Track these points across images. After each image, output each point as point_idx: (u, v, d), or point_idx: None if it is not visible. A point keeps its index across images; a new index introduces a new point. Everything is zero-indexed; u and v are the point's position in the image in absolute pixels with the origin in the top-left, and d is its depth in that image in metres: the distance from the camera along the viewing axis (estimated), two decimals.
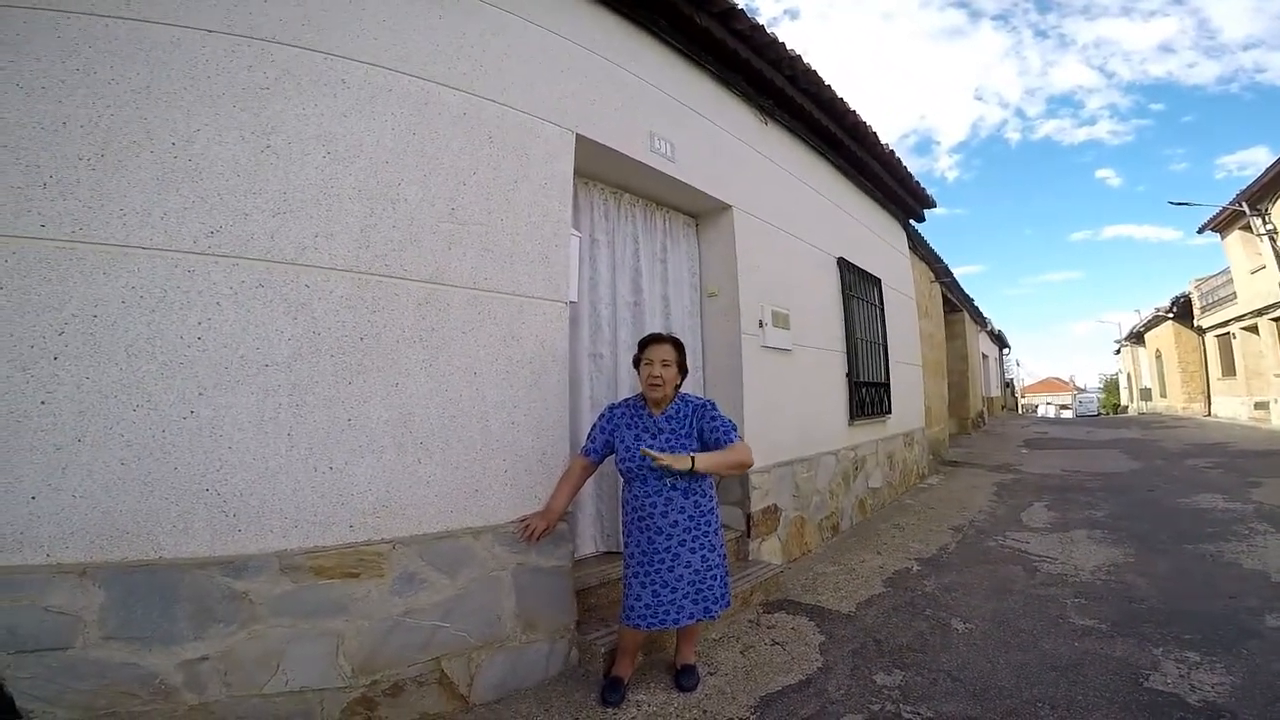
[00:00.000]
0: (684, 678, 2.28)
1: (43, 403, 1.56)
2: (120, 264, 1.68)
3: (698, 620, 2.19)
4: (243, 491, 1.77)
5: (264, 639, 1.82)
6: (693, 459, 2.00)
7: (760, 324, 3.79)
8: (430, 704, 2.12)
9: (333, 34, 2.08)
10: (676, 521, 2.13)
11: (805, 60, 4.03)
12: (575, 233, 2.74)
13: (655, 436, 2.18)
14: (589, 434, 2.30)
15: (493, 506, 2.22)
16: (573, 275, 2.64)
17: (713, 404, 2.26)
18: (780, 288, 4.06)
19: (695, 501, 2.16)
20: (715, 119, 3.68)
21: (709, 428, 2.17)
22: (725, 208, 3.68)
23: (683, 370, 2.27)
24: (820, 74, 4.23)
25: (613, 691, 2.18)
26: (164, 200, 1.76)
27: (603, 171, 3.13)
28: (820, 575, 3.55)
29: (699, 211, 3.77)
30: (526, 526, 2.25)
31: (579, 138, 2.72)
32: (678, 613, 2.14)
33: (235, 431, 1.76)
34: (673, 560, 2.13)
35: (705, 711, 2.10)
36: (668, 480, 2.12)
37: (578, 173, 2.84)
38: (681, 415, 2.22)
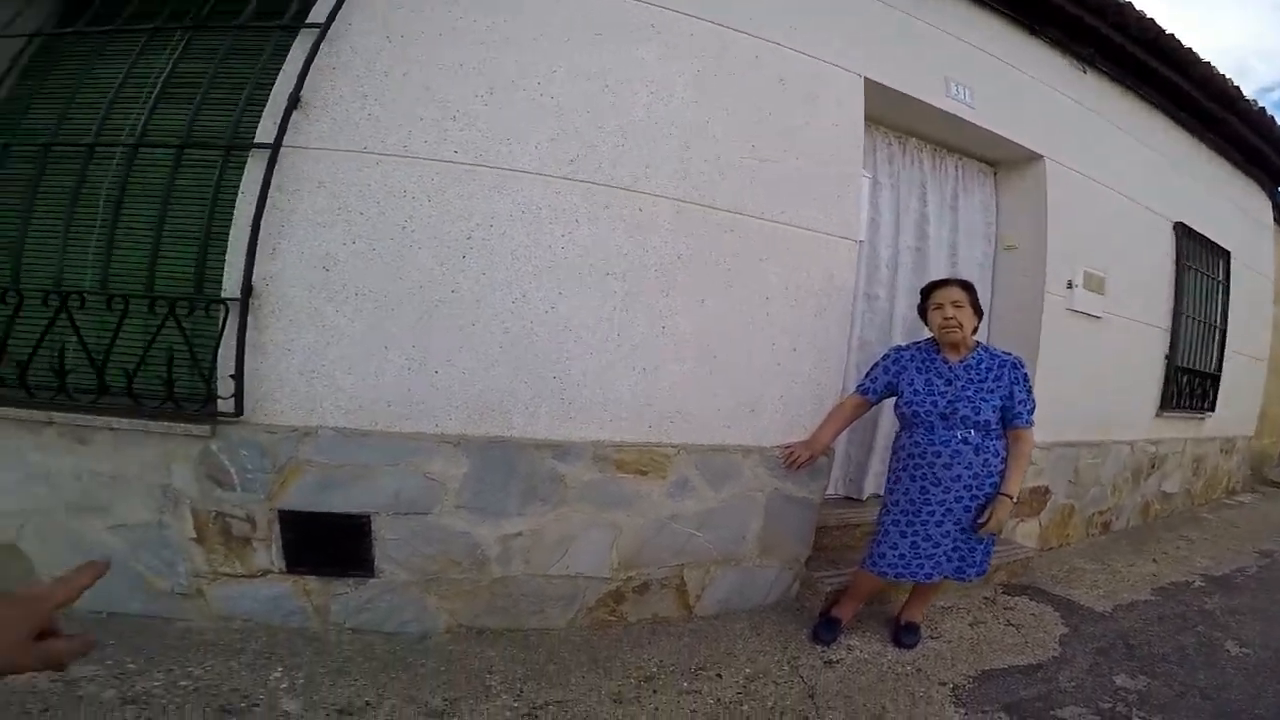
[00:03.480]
0: (905, 635, 2.25)
1: (453, 291, 1.98)
2: (509, 185, 2.01)
3: (946, 579, 2.13)
4: (579, 381, 2.09)
5: (566, 522, 2.16)
6: (1010, 499, 2.00)
7: (1069, 285, 3.36)
8: (663, 608, 2.37)
9: None
10: (959, 476, 2.02)
11: (1135, 6, 3.36)
12: (865, 174, 2.69)
13: (950, 384, 2.06)
14: (868, 373, 2.26)
15: (763, 428, 2.34)
16: (862, 215, 2.63)
17: (1024, 365, 2.08)
18: (1095, 248, 3.49)
19: (985, 460, 2.03)
20: (1022, 67, 3.25)
21: (1017, 399, 2.03)
22: (1034, 158, 3.28)
23: (977, 312, 2.10)
24: (1154, 20, 3.47)
25: (828, 630, 2.22)
26: (536, 132, 2.04)
27: (889, 115, 2.97)
28: (1076, 570, 3.26)
29: (999, 160, 3.42)
30: (790, 453, 2.32)
31: (867, 82, 2.62)
32: (932, 568, 2.09)
33: (581, 328, 2.08)
34: (944, 515, 2.05)
35: (919, 670, 2.09)
36: (959, 431, 2.01)
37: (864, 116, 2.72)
38: (983, 367, 2.07)
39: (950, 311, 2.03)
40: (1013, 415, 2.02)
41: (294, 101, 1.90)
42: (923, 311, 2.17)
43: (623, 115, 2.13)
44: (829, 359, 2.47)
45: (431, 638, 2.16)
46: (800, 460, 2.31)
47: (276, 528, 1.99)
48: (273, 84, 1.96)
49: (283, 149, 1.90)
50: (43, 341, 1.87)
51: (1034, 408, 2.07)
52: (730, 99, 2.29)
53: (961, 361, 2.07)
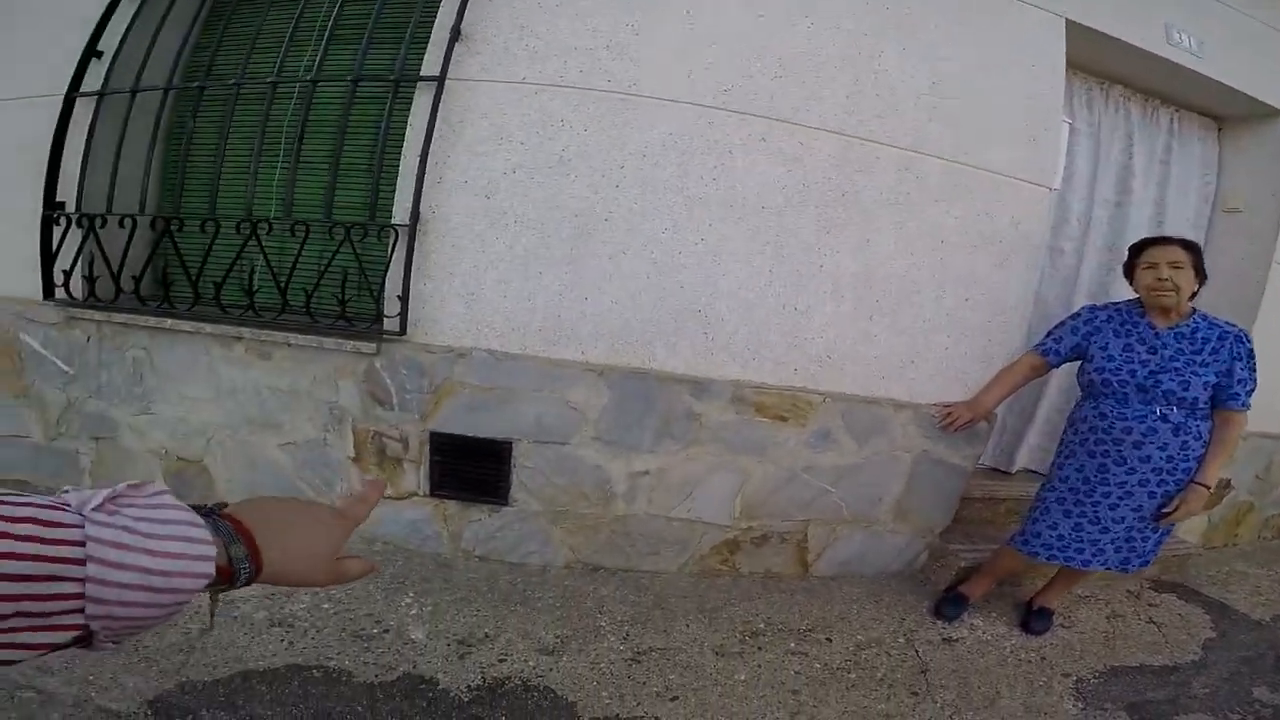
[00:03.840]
0: (1037, 620, 2.09)
1: (605, 219, 1.98)
2: (660, 114, 1.99)
3: (1105, 569, 1.92)
4: (724, 316, 2.04)
5: (694, 463, 2.13)
6: (1207, 489, 1.79)
7: None
8: (778, 563, 2.29)
9: None
10: (1149, 457, 1.79)
11: None
12: (1066, 119, 2.49)
13: (1154, 353, 1.82)
14: (1050, 333, 2.04)
15: (920, 382, 2.19)
16: (1059, 162, 2.43)
17: (1249, 339, 1.81)
18: None
19: (1184, 442, 1.78)
20: (1259, 15, 2.82)
21: (1236, 377, 1.77)
22: (1271, 114, 2.86)
23: (1200, 276, 1.82)
24: None
25: (952, 606, 2.08)
26: (687, 61, 2.01)
27: (1093, 61, 2.67)
28: (1237, 574, 2.91)
29: (1226, 114, 3.02)
30: (949, 414, 2.16)
31: (1069, 23, 2.36)
32: (1093, 554, 1.89)
33: (730, 262, 2.02)
34: (1121, 498, 1.83)
35: (1043, 659, 1.96)
36: (1158, 407, 1.77)
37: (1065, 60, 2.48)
38: (1199, 337, 1.80)
39: (1165, 272, 1.78)
40: (1228, 395, 1.76)
41: (455, 34, 1.96)
42: (1129, 270, 1.92)
43: (782, 45, 2.05)
44: (1006, 314, 2.27)
45: (551, 571, 2.20)
46: (960, 422, 2.14)
47: (427, 449, 2.06)
48: (434, 20, 2.03)
49: (447, 81, 1.97)
50: (234, 264, 2.04)
51: (1254, 389, 1.79)
52: (906, 32, 2.13)
53: (1172, 329, 1.83)
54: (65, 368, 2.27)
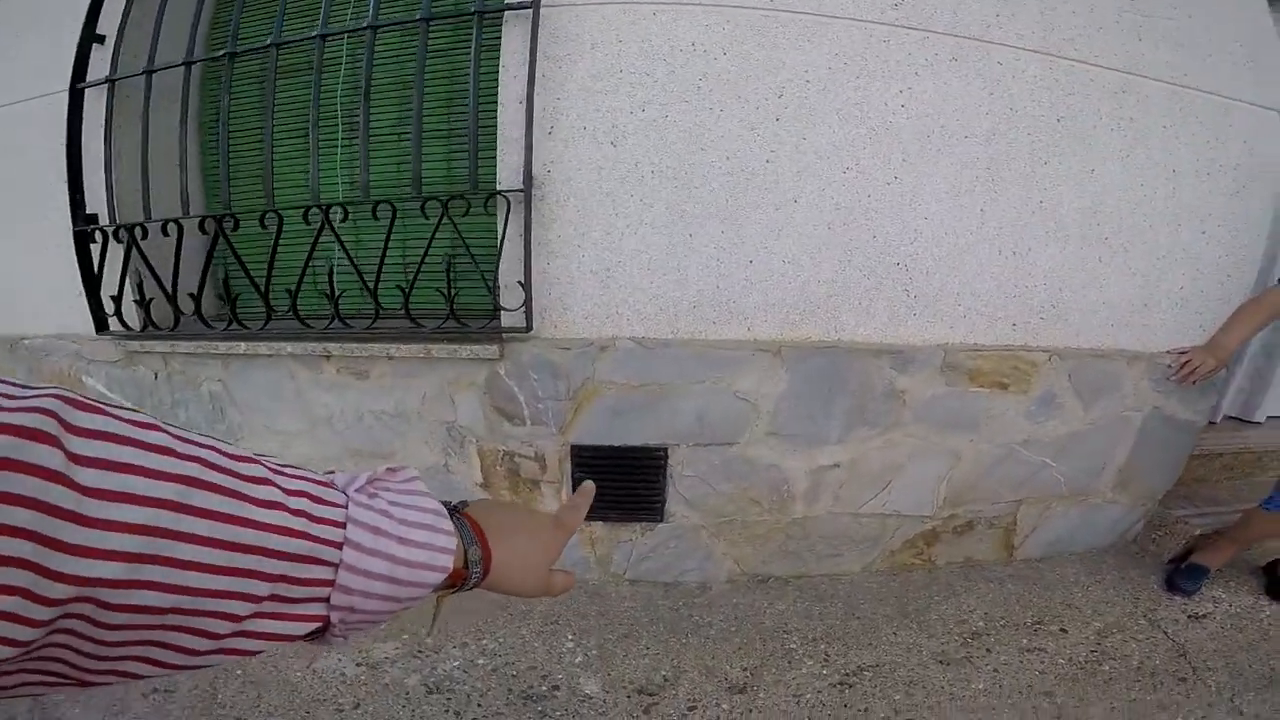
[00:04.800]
0: None
1: (767, 161, 1.57)
2: (819, 32, 1.55)
3: None
4: (928, 269, 1.64)
5: (894, 449, 1.79)
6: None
7: None
8: (980, 550, 2.00)
9: None
10: None
11: None
12: None
13: None
14: None
15: (1154, 329, 1.81)
16: None
17: None
18: None
19: None
20: None
21: None
22: None
23: None
24: None
25: (1191, 579, 1.83)
26: None
27: None
28: None
29: None
30: (1188, 363, 1.78)
31: None
32: None
33: (932, 202, 1.61)
34: None
35: None
36: None
37: None
38: None
39: None
40: None
41: None
42: None
43: None
44: (1244, 247, 1.89)
45: (712, 588, 1.94)
46: (1202, 371, 1.76)
47: (567, 466, 1.72)
48: None
49: (542, 8, 1.54)
50: (307, 265, 1.66)
51: None
52: None
53: None
54: None
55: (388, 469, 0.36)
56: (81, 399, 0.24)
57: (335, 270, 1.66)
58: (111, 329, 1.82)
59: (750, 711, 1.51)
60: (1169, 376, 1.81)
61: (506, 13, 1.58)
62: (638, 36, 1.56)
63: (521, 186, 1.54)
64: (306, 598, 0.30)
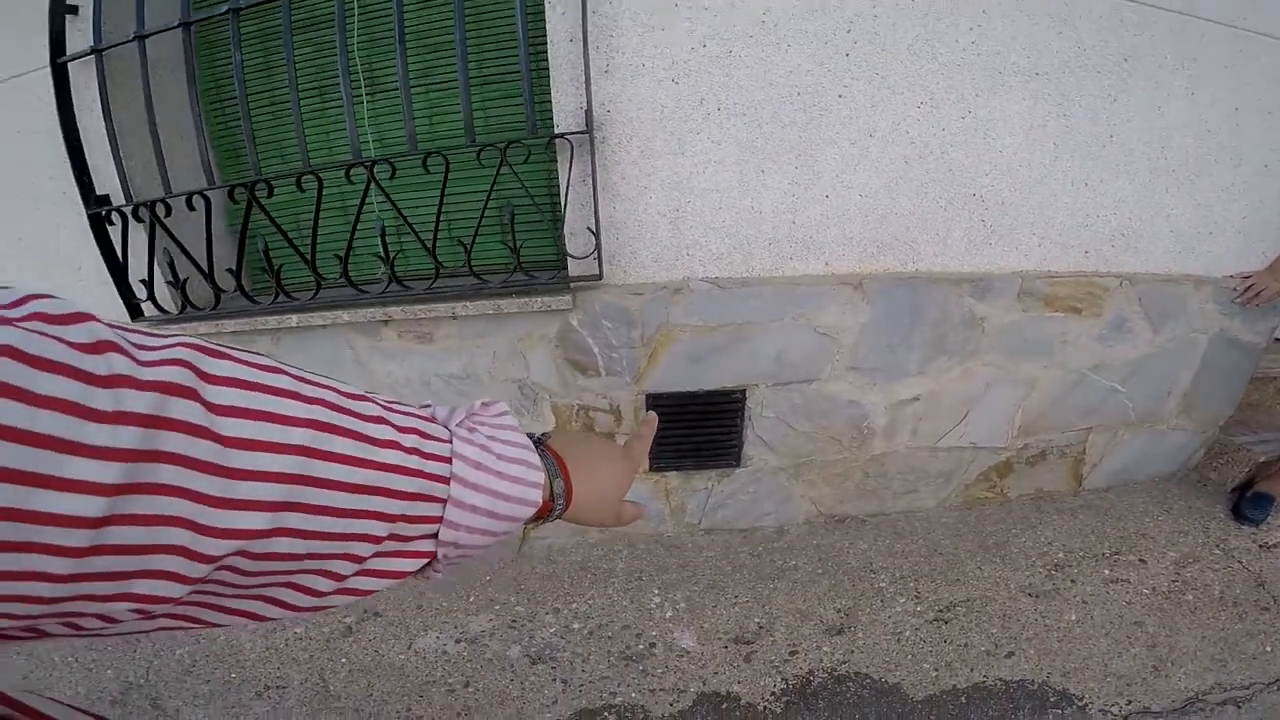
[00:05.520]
0: None
1: (840, 96, 1.52)
2: None
3: None
4: (1003, 200, 1.62)
5: (971, 379, 1.78)
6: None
7: None
8: (1049, 481, 2.01)
9: None
10: None
11: None
12: None
13: None
14: None
15: (1218, 254, 1.80)
16: None
17: None
18: None
19: None
20: None
21: None
22: None
23: None
24: None
25: (1258, 508, 1.81)
26: None
27: None
28: None
29: None
30: (1251, 286, 1.79)
31: None
32: None
33: (1006, 135, 1.58)
34: None
35: None
36: None
37: None
38: None
39: None
40: None
41: None
42: None
43: None
44: None
45: (789, 531, 1.94)
46: (1268, 293, 1.78)
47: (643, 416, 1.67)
48: None
49: None
50: (355, 227, 1.57)
51: None
52: None
53: None
54: None
55: (482, 404, 0.36)
56: (208, 345, 0.24)
57: (387, 230, 1.57)
58: (146, 314, 1.71)
59: (852, 652, 1.52)
60: (1234, 299, 1.82)
61: None
62: None
63: (584, 128, 1.47)
64: (420, 535, 0.30)
